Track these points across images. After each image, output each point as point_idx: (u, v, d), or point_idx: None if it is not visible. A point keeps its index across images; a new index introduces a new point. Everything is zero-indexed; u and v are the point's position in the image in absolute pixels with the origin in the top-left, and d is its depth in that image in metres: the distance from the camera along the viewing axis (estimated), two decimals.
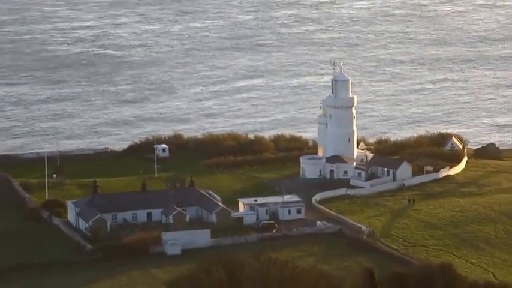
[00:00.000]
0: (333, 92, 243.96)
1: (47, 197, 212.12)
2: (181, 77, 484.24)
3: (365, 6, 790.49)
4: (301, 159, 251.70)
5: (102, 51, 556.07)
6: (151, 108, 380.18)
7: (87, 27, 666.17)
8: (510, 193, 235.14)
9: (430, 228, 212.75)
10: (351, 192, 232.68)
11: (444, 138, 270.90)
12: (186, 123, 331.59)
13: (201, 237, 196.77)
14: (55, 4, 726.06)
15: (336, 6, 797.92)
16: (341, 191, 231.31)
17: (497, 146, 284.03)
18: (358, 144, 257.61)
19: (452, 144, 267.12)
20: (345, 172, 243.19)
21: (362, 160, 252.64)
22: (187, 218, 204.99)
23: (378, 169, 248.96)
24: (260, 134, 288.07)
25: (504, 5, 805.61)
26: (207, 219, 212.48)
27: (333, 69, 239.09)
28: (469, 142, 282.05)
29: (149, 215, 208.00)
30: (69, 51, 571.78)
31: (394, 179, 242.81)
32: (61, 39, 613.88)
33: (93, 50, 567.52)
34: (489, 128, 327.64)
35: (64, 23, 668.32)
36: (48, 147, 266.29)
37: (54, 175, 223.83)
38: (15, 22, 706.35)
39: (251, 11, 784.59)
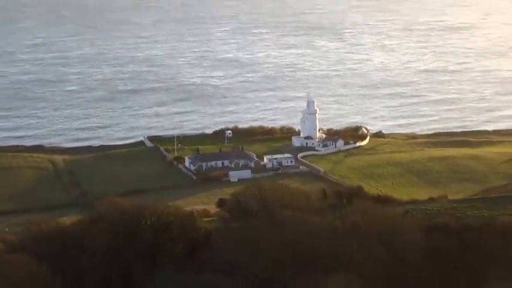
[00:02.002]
0: (307, 106, 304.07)
1: (175, 155, 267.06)
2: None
3: None
4: (293, 137, 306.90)
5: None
6: (223, 109, 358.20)
7: None
8: (390, 153, 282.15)
9: (352, 169, 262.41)
10: (315, 153, 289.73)
11: (359, 128, 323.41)
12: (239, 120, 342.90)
13: (246, 173, 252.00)
14: None
15: None
16: (310, 152, 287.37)
17: (382, 131, 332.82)
18: (319, 131, 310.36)
19: (362, 131, 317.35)
20: (313, 144, 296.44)
21: (320, 138, 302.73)
22: (240, 164, 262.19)
23: (328, 142, 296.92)
24: (272, 125, 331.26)
25: None
26: (249, 165, 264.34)
27: (308, 97, 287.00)
28: (369, 129, 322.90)
29: (223, 163, 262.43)
30: None
31: (335, 147, 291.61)
32: None
33: None
34: (378, 123, 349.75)
35: None
36: (177, 131, 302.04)
37: (179, 144, 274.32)
38: None
39: None
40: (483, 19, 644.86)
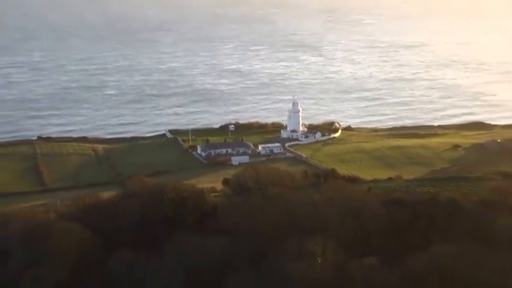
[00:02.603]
0: (293, 106, 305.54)
1: (190, 144, 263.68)
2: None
3: None
4: (281, 131, 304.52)
5: None
6: (228, 109, 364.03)
7: None
8: (357, 143, 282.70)
9: (327, 155, 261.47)
10: (299, 143, 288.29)
11: (333, 123, 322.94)
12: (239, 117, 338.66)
13: (245, 159, 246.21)
14: None
15: None
16: (295, 142, 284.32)
17: (351, 125, 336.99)
18: (302, 125, 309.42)
19: (335, 126, 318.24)
20: (297, 135, 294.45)
21: (303, 131, 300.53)
22: (240, 151, 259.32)
23: (309, 134, 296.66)
24: (265, 121, 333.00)
25: None
26: (247, 152, 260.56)
27: (293, 99, 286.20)
28: (341, 124, 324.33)
29: (227, 150, 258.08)
30: None
31: (315, 138, 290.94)
32: None
33: None
34: (348, 119, 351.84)
35: None
36: (191, 126, 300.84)
37: (193, 136, 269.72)
38: None
39: None
40: (430, 39, 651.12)
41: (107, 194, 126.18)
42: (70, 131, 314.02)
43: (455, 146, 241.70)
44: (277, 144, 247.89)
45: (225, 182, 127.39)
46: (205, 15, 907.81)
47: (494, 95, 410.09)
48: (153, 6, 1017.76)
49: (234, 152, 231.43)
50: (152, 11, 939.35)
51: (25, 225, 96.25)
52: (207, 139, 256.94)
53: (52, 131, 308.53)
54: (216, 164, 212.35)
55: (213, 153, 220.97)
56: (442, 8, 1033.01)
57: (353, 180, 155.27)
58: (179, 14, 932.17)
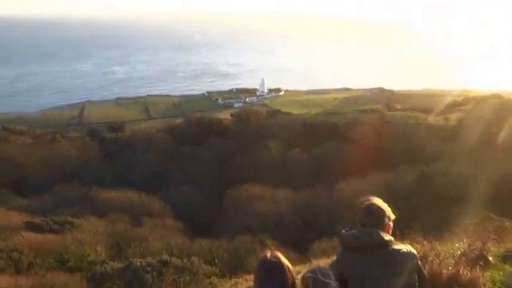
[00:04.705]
0: (262, 81, 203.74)
1: (216, 97, 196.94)
2: None
3: None
4: (257, 91, 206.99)
5: None
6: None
7: None
8: (289, 97, 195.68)
9: (277, 103, 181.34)
10: (264, 96, 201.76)
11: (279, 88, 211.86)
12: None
13: (241, 104, 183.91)
14: None
15: None
16: (263, 96, 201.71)
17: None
18: (266, 88, 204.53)
19: (280, 88, 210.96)
20: (262, 93, 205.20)
21: (266, 91, 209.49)
22: (238, 100, 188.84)
23: (269, 93, 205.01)
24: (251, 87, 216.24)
25: None
26: (242, 101, 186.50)
27: (262, 81, 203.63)
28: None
29: (232, 100, 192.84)
30: None
31: (273, 94, 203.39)
32: None
33: None
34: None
35: None
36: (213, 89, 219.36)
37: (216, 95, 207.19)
38: None
39: None
40: None
41: (178, 120, 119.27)
42: None
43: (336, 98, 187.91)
44: (254, 98, 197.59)
45: (232, 115, 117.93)
46: None
47: None
48: None
49: (235, 101, 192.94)
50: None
51: (147, 134, 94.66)
52: (223, 96, 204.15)
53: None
54: (227, 107, 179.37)
55: (226, 102, 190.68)
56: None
57: (289, 114, 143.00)
58: None
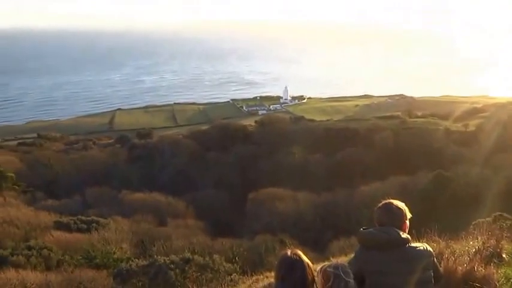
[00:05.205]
0: (285, 89, 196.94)
1: (240, 105, 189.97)
2: None
3: None
4: (280, 99, 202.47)
5: None
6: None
7: None
8: (310, 104, 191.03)
9: (300, 110, 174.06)
10: (288, 104, 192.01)
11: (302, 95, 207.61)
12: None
13: (264, 111, 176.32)
14: None
15: None
16: (286, 104, 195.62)
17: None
18: (289, 96, 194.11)
19: (304, 95, 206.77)
20: (286, 100, 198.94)
21: (290, 99, 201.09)
22: (262, 108, 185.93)
23: (292, 100, 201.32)
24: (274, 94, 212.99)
25: None
26: (265, 108, 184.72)
27: (285, 88, 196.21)
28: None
29: (256, 108, 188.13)
30: None
31: (295, 102, 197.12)
32: None
33: None
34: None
35: None
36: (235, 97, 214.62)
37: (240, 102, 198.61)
38: None
39: None
40: None
41: (204, 127, 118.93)
42: None
43: (357, 105, 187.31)
44: (278, 105, 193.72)
45: (256, 121, 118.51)
46: None
47: None
48: None
49: (259, 108, 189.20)
50: None
51: (174, 140, 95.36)
52: (248, 104, 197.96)
53: None
54: (252, 114, 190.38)
55: (250, 109, 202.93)
56: None
57: (311, 120, 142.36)
58: None
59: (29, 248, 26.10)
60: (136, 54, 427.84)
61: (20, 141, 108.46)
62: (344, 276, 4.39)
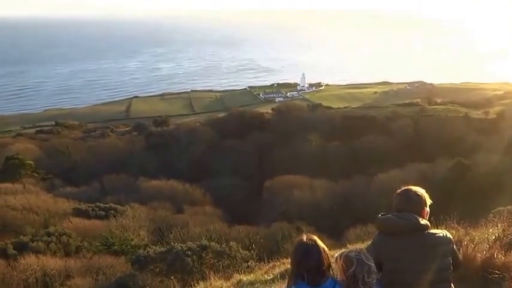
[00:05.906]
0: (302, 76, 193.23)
1: (257, 92, 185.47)
2: None
3: None
4: (297, 86, 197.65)
5: None
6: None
7: None
8: (329, 92, 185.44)
9: (318, 97, 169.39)
10: (305, 91, 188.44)
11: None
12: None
13: (281, 98, 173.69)
14: None
15: None
16: (303, 91, 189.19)
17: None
18: (307, 83, 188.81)
19: (321, 82, 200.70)
20: (303, 87, 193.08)
21: (307, 86, 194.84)
22: (279, 95, 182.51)
23: (309, 87, 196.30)
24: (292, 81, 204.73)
25: None
26: (282, 95, 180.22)
27: (303, 75, 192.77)
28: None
29: (273, 95, 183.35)
30: None
31: (312, 89, 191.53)
32: None
33: None
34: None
35: None
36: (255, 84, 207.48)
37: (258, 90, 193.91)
38: None
39: None
40: None
41: (221, 114, 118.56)
42: None
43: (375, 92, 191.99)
44: (295, 92, 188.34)
45: (273, 109, 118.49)
46: None
47: None
48: None
49: (276, 95, 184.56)
50: None
51: (191, 128, 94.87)
52: (264, 91, 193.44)
53: None
54: (269, 101, 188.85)
55: (267, 96, 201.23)
56: None
57: (329, 107, 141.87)
58: None
59: (49, 235, 26.49)
60: (152, 42, 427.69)
61: (38, 129, 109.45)
62: (366, 261, 4.41)
